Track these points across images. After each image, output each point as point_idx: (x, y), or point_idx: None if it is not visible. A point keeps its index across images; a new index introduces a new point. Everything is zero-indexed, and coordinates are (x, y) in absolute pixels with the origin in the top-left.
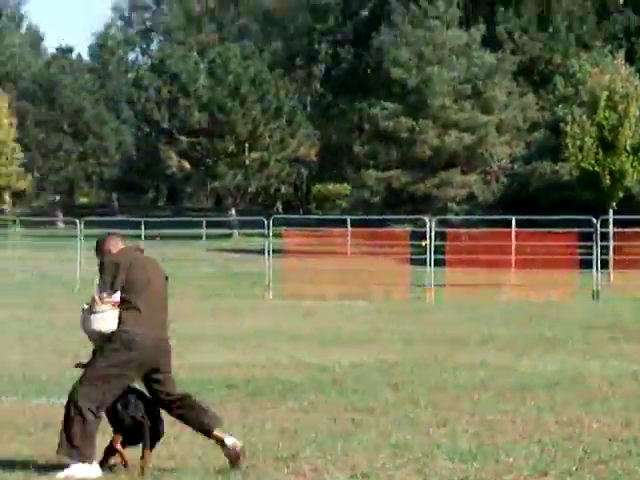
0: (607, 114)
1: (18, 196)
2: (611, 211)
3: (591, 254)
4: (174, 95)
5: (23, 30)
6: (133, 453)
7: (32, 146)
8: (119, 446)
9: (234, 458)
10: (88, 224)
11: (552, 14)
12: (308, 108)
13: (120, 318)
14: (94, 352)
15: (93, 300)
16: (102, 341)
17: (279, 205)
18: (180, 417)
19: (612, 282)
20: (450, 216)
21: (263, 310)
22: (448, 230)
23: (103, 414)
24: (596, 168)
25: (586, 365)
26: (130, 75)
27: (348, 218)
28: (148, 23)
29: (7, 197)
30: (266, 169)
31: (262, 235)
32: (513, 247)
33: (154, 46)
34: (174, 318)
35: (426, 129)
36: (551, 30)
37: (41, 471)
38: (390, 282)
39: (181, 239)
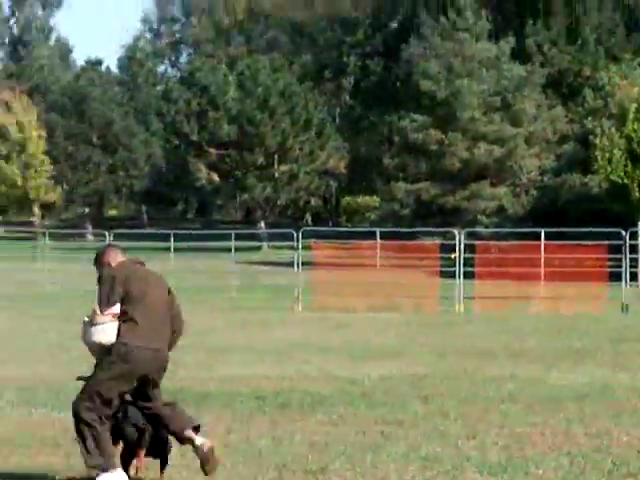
0: (636, 126)
1: (47, 208)
2: None
3: (620, 266)
4: (203, 107)
5: (52, 42)
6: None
7: (61, 158)
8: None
9: (203, 458)
10: (117, 236)
11: (581, 26)
12: (337, 120)
13: (119, 330)
14: (96, 365)
15: (94, 312)
16: (102, 353)
17: (308, 217)
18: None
19: None
20: (479, 229)
21: (292, 322)
22: (477, 243)
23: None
24: (625, 180)
25: (615, 377)
26: (159, 87)
27: (377, 230)
28: (177, 35)
29: (36, 209)
30: (295, 182)
31: (291, 248)
32: (542, 260)
33: (183, 58)
34: (204, 330)
35: (455, 141)
36: (580, 42)
37: None
38: (419, 295)
39: (210, 252)
